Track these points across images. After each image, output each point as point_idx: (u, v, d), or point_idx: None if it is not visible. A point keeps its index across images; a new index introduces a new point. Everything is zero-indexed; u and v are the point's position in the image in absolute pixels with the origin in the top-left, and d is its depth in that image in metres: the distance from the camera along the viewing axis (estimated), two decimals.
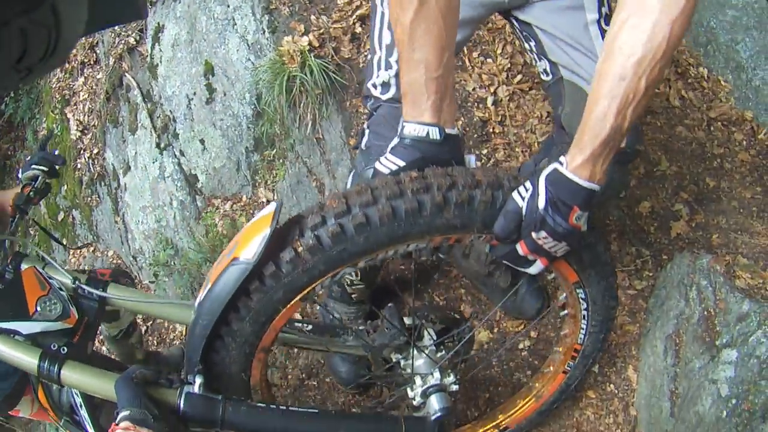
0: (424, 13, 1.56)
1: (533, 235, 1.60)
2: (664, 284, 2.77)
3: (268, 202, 3.66)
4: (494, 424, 2.52)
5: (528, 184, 1.62)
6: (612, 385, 2.74)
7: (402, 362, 2.16)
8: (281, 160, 3.71)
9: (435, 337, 2.15)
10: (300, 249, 1.59)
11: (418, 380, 2.08)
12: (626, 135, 1.56)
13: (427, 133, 1.62)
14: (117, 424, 1.51)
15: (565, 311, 2.24)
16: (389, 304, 2.18)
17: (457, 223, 1.62)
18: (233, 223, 3.86)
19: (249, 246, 1.58)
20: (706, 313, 2.39)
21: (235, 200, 3.98)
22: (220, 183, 4.03)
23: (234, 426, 1.75)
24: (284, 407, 1.88)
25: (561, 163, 1.58)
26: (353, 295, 2.69)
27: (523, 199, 1.61)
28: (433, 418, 2.03)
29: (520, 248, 1.66)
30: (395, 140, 1.68)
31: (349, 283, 2.61)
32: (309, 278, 1.64)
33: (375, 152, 2.10)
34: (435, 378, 2.06)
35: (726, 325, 2.32)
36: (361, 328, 2.25)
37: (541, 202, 1.56)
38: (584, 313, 2.13)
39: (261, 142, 3.76)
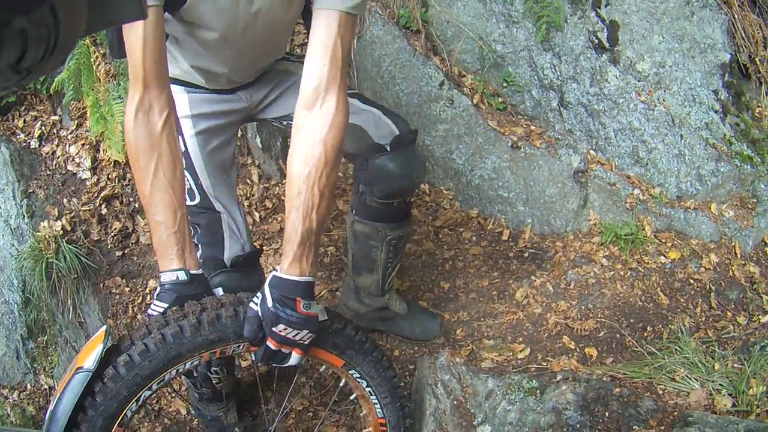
0: (157, 184, 1.97)
1: (274, 329, 1.92)
2: (416, 389, 2.91)
3: (51, 389, 3.94)
4: None
5: (259, 293, 1.99)
6: None
7: None
8: (53, 346, 3.94)
9: None
10: (105, 379, 1.88)
11: None
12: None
13: (177, 276, 2.01)
14: None
15: (354, 394, 2.46)
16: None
17: (214, 338, 1.98)
18: (23, 412, 3.99)
19: (89, 357, 1.86)
20: (455, 402, 2.60)
21: (20, 389, 4.09)
22: (4, 372, 4.14)
23: None
24: None
25: (277, 270, 1.97)
26: (222, 391, 2.85)
27: (257, 304, 1.97)
28: None
29: (270, 344, 1.97)
30: (158, 288, 2.06)
31: (215, 379, 2.79)
32: (118, 403, 1.91)
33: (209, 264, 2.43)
34: None
35: (477, 405, 2.54)
36: None
37: (269, 302, 1.93)
38: (368, 390, 2.36)
39: (33, 329, 3.96)
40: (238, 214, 2.49)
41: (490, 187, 3.68)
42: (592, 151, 3.75)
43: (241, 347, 2.04)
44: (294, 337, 1.94)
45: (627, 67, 3.76)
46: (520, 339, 2.94)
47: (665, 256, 3.44)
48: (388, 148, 2.48)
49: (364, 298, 2.99)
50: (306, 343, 1.99)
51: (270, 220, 3.58)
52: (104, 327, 1.94)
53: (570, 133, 3.79)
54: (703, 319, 3.20)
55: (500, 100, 3.90)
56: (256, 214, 3.59)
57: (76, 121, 3.76)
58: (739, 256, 3.64)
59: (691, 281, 3.36)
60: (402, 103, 3.83)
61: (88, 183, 3.66)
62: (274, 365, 2.06)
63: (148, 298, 3.52)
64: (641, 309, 3.11)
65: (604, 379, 2.52)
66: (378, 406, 2.40)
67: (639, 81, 3.78)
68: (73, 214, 3.63)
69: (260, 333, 1.95)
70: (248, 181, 3.70)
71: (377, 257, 2.79)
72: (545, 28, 3.69)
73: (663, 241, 3.52)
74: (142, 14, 1.03)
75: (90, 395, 1.87)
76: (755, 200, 3.91)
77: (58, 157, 3.74)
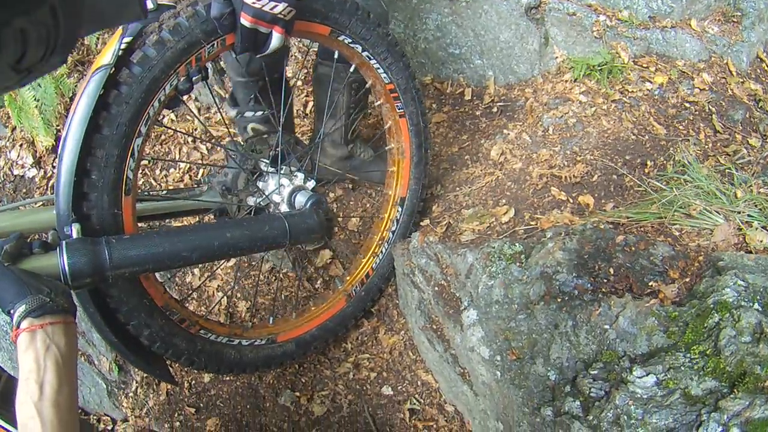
0: None
1: (246, 0, 1.68)
2: (398, 284, 2.48)
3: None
4: (391, 203, 2.48)
5: None
6: (416, 393, 2.41)
7: (254, 198, 2.19)
8: None
9: (269, 162, 2.20)
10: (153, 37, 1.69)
11: (275, 198, 2.17)
12: None
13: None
14: (18, 328, 1.31)
15: (352, 64, 2.26)
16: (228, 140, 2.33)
17: (183, 45, 1.71)
18: None
19: (105, 55, 1.65)
20: (437, 288, 2.13)
21: None
22: None
23: (124, 263, 1.60)
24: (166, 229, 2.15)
25: None
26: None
27: None
28: (308, 205, 2.09)
29: (244, 20, 1.71)
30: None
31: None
32: (160, 71, 1.71)
33: None
34: (287, 187, 2.17)
35: (461, 287, 2.03)
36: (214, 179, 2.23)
37: None
38: (366, 54, 2.18)
39: None
40: None
41: (438, 47, 3.05)
42: None
43: (214, 46, 1.79)
44: (272, 9, 1.71)
45: None
46: (503, 201, 2.34)
47: (651, 82, 2.81)
48: None
49: (328, 147, 2.74)
50: (287, 18, 1.76)
51: (218, 149, 3.03)
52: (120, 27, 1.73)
53: None
54: (710, 145, 2.60)
55: None
56: (203, 147, 3.03)
57: (9, 127, 3.40)
58: (735, 73, 3.05)
59: (687, 105, 2.75)
60: None
61: (36, 179, 3.31)
62: (256, 54, 1.85)
63: None
64: (636, 143, 2.49)
65: (602, 226, 1.92)
66: (381, 70, 2.24)
67: None
68: None
69: (229, 8, 1.72)
70: (188, 117, 3.15)
71: (340, 101, 2.58)
72: None
73: (644, 66, 2.90)
74: (142, 15, 1.01)
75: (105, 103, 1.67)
76: (739, 13, 3.39)
77: (3, 168, 3.37)
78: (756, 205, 2.03)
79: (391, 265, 2.43)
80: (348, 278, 2.45)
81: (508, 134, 2.65)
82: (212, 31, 1.76)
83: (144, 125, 1.72)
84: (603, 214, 2.08)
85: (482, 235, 2.19)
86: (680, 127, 2.61)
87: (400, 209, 2.45)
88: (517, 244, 1.91)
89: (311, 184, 2.19)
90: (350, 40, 2.11)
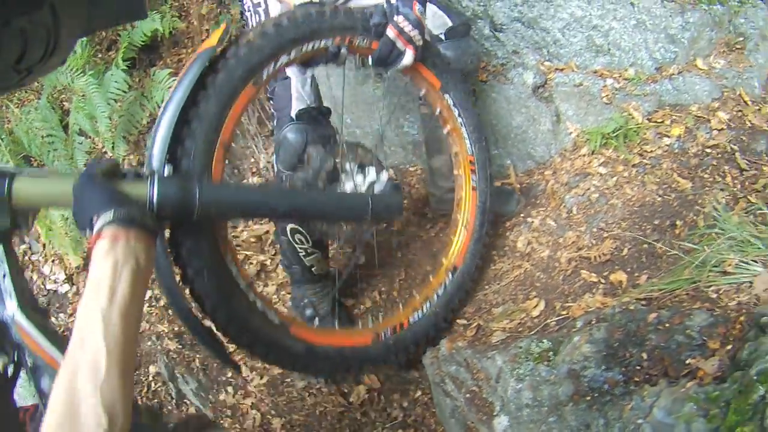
0: None
1: (395, 19, 2.13)
2: (433, 391, 2.42)
3: None
4: (444, 268, 2.47)
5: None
6: None
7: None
8: None
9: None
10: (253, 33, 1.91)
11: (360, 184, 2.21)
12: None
13: None
14: (99, 234, 1.23)
15: (446, 128, 2.47)
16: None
17: (347, 24, 2.10)
18: None
19: (211, 40, 1.82)
20: (468, 394, 2.05)
21: None
22: None
23: (211, 205, 1.57)
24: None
25: None
26: (313, 269, 2.71)
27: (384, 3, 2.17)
28: (390, 187, 2.19)
29: (390, 31, 2.14)
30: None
31: (304, 253, 2.65)
32: (259, 59, 1.90)
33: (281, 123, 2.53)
34: (363, 185, 2.20)
35: (493, 392, 1.97)
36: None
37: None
38: (460, 120, 2.43)
39: None
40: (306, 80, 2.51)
41: None
42: (546, 62, 3.09)
43: (364, 41, 2.15)
44: (410, 32, 2.13)
45: None
46: (533, 293, 2.30)
47: (668, 136, 2.77)
48: (443, 38, 2.58)
49: (438, 180, 2.91)
50: (419, 43, 2.17)
51: None
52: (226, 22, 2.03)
53: (515, 54, 3.13)
54: (738, 186, 2.51)
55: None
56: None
57: (41, 242, 3.57)
58: (749, 102, 2.96)
59: (708, 150, 2.69)
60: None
61: (69, 294, 3.43)
62: (386, 68, 2.21)
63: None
64: (663, 204, 2.43)
65: (632, 307, 1.86)
66: (468, 140, 2.46)
67: None
68: (63, 329, 3.36)
69: (384, 21, 2.13)
70: None
71: (442, 135, 2.67)
72: None
73: (659, 121, 2.86)
74: (143, 14, 0.99)
75: (212, 71, 1.82)
76: (742, 38, 3.27)
77: (36, 282, 3.50)
78: None
79: (426, 333, 2.34)
80: (381, 321, 2.33)
81: (532, 222, 2.63)
82: (368, 30, 2.13)
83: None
84: (634, 291, 2.02)
85: (513, 334, 2.15)
86: (705, 176, 2.54)
87: (450, 277, 2.42)
88: (545, 341, 1.89)
89: (385, 174, 2.23)
90: (452, 102, 2.39)
